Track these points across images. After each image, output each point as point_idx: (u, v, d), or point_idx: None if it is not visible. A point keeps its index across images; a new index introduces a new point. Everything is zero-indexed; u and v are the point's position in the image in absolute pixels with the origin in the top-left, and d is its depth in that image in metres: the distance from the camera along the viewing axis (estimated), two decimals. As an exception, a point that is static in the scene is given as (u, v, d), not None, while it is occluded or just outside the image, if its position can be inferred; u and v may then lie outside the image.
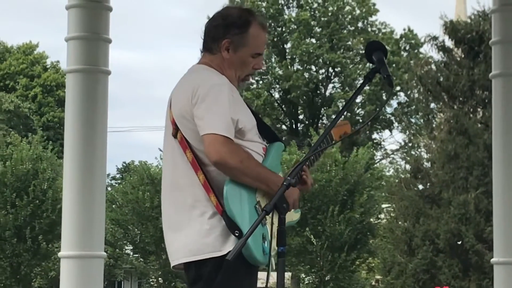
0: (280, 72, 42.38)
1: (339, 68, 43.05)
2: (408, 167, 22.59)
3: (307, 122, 43.48)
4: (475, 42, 20.87)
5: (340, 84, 43.71)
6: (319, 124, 41.55)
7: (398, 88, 39.83)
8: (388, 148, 44.02)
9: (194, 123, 3.76)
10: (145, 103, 76.66)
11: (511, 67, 6.90)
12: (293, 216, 3.94)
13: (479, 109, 21.25)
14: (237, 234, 3.64)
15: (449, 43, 21.60)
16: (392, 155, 41.40)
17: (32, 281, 29.58)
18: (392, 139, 54.78)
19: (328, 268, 27.19)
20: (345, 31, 43.00)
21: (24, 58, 48.83)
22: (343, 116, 3.80)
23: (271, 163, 3.88)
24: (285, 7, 43.74)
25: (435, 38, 21.62)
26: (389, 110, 42.96)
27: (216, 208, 3.72)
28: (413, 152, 23.71)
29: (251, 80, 4.09)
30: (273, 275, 3.61)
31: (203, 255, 3.72)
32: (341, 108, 38.34)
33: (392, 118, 43.25)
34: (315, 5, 43.34)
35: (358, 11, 43.18)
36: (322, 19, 42.73)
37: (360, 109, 42.86)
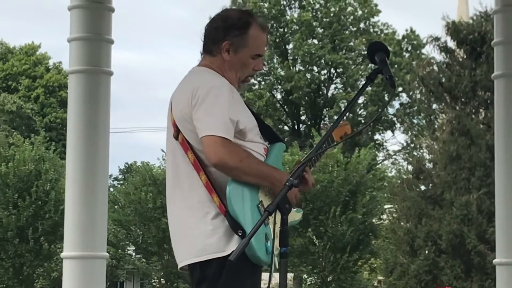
0: (282, 73, 42.38)
1: (341, 69, 43.04)
2: (410, 168, 22.56)
3: (309, 123, 43.48)
4: (477, 43, 20.86)
5: (342, 85, 43.71)
6: (321, 125, 41.54)
7: (400, 89, 39.81)
8: (390, 149, 44.06)
9: (194, 125, 3.77)
10: (147, 103, 76.76)
11: (513, 67, 6.91)
12: (295, 216, 3.96)
13: (481, 110, 21.22)
14: (240, 234, 3.66)
15: (451, 44, 21.59)
16: (394, 156, 41.43)
17: (35, 282, 29.60)
18: (394, 140, 54.89)
19: (330, 269, 27.18)
20: (347, 32, 43.00)
21: (26, 59, 48.87)
22: (344, 117, 3.81)
23: (273, 163, 3.89)
24: (287, 8, 43.74)
25: (437, 39, 21.61)
26: (391, 111, 42.97)
27: (219, 208, 3.73)
28: (415, 153, 23.70)
29: (252, 81, 4.11)
30: (276, 276, 3.62)
31: (207, 256, 3.73)
32: (343, 109, 38.32)
33: (394, 119, 43.24)
34: (317, 6, 43.34)
35: (360, 12, 43.18)
36: (324, 20, 42.72)
37: (362, 110, 42.85)
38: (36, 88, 47.74)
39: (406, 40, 43.48)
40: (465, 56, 21.29)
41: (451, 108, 21.21)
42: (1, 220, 27.52)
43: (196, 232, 3.76)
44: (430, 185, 21.39)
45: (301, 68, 43.00)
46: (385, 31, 43.36)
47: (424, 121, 24.33)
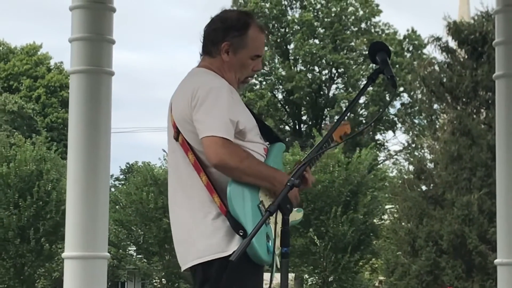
0: (283, 73, 42.40)
1: (342, 69, 43.05)
2: (411, 168, 22.54)
3: (310, 123, 43.49)
4: (478, 43, 20.84)
5: (343, 85, 43.72)
6: (322, 125, 41.55)
7: (401, 89, 39.81)
8: (391, 149, 44.05)
9: (194, 126, 3.79)
10: (148, 103, 76.79)
11: (515, 68, 6.91)
12: (296, 215, 3.96)
13: (482, 110, 21.21)
14: (241, 234, 3.67)
15: (452, 44, 21.57)
16: (395, 156, 41.42)
17: (36, 282, 29.61)
18: (395, 140, 54.83)
19: (331, 269, 27.18)
20: (348, 32, 43.00)
21: (27, 59, 48.89)
22: (346, 117, 3.82)
23: (273, 163, 3.91)
24: (288, 8, 43.75)
25: (438, 39, 21.60)
26: (392, 111, 42.98)
27: (220, 208, 3.74)
28: (416, 153, 23.66)
29: (252, 80, 4.14)
30: (277, 276, 3.62)
31: (210, 256, 3.74)
32: (344, 109, 38.28)
33: (396, 119, 43.24)
34: (318, 6, 43.34)
35: (361, 12, 43.19)
36: (325, 20, 42.73)
37: (363, 110, 42.85)
38: (38, 88, 47.77)
39: (407, 40, 43.49)
40: (466, 56, 21.28)
41: (452, 108, 21.20)
42: (2, 220, 27.52)
43: (197, 233, 3.77)
44: (431, 185, 21.38)
45: (302, 68, 43.01)
46: (386, 31, 43.37)
47: (425, 121, 24.31)
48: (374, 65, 3.68)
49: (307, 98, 43.02)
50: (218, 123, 3.72)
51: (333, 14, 42.72)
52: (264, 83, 42.83)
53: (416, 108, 38.12)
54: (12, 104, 43.06)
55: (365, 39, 41.89)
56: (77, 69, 6.73)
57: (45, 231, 27.84)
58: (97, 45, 6.72)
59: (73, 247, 6.56)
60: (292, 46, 43.17)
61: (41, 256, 28.26)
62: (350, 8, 43.21)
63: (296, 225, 4.16)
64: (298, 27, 42.63)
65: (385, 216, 28.07)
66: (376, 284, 33.67)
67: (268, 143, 4.02)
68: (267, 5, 42.59)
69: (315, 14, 43.10)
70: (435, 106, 22.45)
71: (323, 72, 43.56)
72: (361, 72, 42.26)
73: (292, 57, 43.06)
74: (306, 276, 30.95)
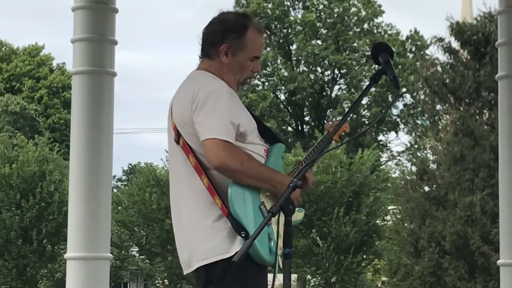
0: (286, 74, 42.39)
1: (344, 70, 43.04)
2: (414, 168, 22.53)
3: (312, 124, 43.49)
4: (481, 44, 20.83)
5: (345, 86, 43.72)
6: (324, 125, 41.53)
7: (404, 89, 39.79)
8: (394, 150, 44.03)
9: (195, 128, 3.80)
10: (151, 104, 76.76)
11: (517, 68, 6.90)
12: (297, 215, 3.96)
13: (485, 111, 21.19)
14: (243, 235, 3.68)
15: (455, 44, 21.55)
16: (398, 157, 41.38)
17: (38, 283, 29.61)
18: (398, 140, 54.80)
19: (334, 270, 27.17)
20: (350, 33, 42.99)
21: (30, 60, 48.92)
22: (348, 118, 3.81)
23: (273, 164, 3.92)
24: (290, 9, 43.75)
25: (441, 39, 21.58)
26: (395, 111, 42.98)
27: (222, 210, 3.75)
28: (419, 154, 23.63)
29: (254, 81, 4.14)
30: (280, 277, 3.62)
31: (212, 258, 3.76)
32: (347, 109, 38.31)
33: (398, 119, 43.23)
34: (321, 6, 43.34)
35: (364, 13, 43.17)
36: (328, 20, 42.73)
37: (366, 111, 42.84)
38: (40, 89, 47.78)
39: (410, 40, 43.47)
40: (469, 57, 21.26)
41: (455, 109, 21.19)
42: (4, 221, 27.52)
43: (199, 235, 3.78)
44: (434, 186, 21.37)
45: (304, 69, 43.01)
46: (389, 32, 43.36)
47: (428, 122, 24.28)
48: (376, 65, 3.68)
49: (310, 99, 43.01)
50: (219, 126, 3.73)
51: (335, 15, 42.71)
52: (266, 84, 42.82)
53: (419, 109, 38.10)
54: (15, 105, 43.08)
55: (367, 40, 41.88)
56: (79, 69, 6.73)
57: (48, 232, 27.83)
58: (99, 45, 6.72)
59: (76, 248, 6.57)
60: (294, 46, 43.16)
61: (43, 257, 28.26)
62: (353, 9, 43.20)
63: (299, 226, 4.16)
64: (301, 28, 42.63)
65: (388, 217, 28.07)
66: (379, 285, 33.65)
67: (268, 144, 4.02)
68: (270, 5, 42.60)
69: (318, 14, 43.10)
70: (438, 107, 22.44)
71: (326, 73, 43.55)
72: (364, 73, 42.25)
73: (295, 58, 43.06)
74: (309, 277, 30.94)
